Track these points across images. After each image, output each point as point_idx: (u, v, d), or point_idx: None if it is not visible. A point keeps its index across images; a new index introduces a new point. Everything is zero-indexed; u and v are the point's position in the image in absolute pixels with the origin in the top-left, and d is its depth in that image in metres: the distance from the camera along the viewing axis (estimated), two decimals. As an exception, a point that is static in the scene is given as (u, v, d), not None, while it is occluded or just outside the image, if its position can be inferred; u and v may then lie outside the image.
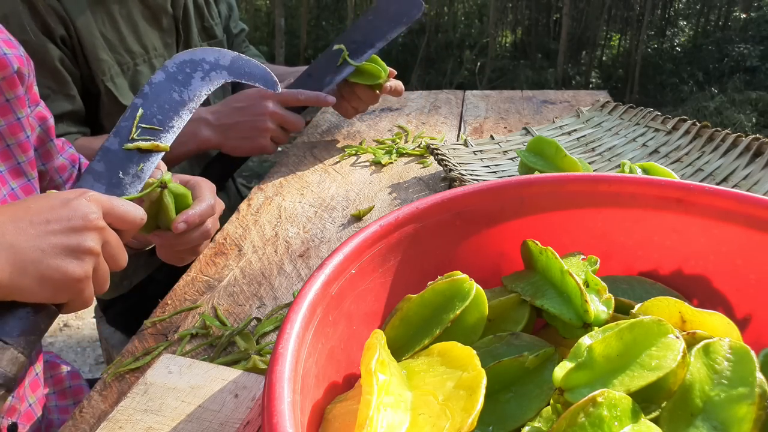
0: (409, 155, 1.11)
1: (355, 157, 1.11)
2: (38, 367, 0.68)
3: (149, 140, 0.62)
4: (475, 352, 0.35)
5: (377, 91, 1.11)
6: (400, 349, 0.41)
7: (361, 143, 1.17)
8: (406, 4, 1.09)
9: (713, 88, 6.00)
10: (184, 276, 0.78)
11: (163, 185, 0.62)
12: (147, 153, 0.62)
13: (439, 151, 0.98)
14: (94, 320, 1.22)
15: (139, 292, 1.12)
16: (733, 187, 0.76)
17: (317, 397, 0.37)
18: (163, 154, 0.63)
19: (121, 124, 0.62)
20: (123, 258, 0.54)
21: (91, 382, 0.81)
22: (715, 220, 0.45)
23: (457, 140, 1.16)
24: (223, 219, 0.93)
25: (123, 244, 0.55)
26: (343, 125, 1.30)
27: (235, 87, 1.31)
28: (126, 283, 1.11)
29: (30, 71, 0.67)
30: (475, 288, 0.41)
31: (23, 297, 0.47)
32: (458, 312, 0.40)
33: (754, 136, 0.80)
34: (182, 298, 0.74)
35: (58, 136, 0.91)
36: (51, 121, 0.72)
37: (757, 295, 0.43)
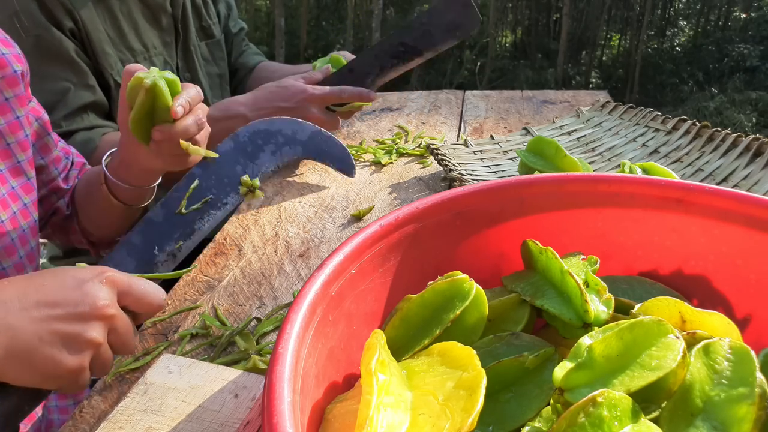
0: (409, 155, 1.11)
1: (355, 157, 1.11)
2: None
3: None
4: (475, 352, 0.35)
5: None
6: (400, 349, 0.41)
7: (361, 143, 1.17)
8: (464, 16, 1.02)
9: (713, 88, 6.01)
10: (184, 276, 0.78)
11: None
12: (190, 232, 0.58)
13: (439, 151, 0.98)
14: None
15: None
16: (733, 187, 0.76)
17: (317, 397, 0.37)
18: (206, 233, 0.59)
19: (172, 195, 0.59)
20: (131, 344, 0.52)
21: (91, 382, 0.81)
22: (715, 220, 0.45)
23: (457, 140, 1.16)
24: (223, 219, 0.94)
25: (134, 329, 0.52)
26: (343, 125, 1.30)
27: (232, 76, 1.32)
28: None
29: (26, 70, 0.67)
30: (475, 288, 0.41)
31: (11, 381, 0.45)
32: (458, 312, 0.40)
33: (754, 136, 0.80)
34: (182, 298, 0.74)
35: (86, 129, 0.93)
36: (45, 116, 0.72)
37: (757, 295, 0.43)
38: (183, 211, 0.57)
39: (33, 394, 0.48)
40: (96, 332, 0.47)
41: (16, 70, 0.63)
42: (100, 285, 0.48)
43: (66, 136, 0.92)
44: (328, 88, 1.01)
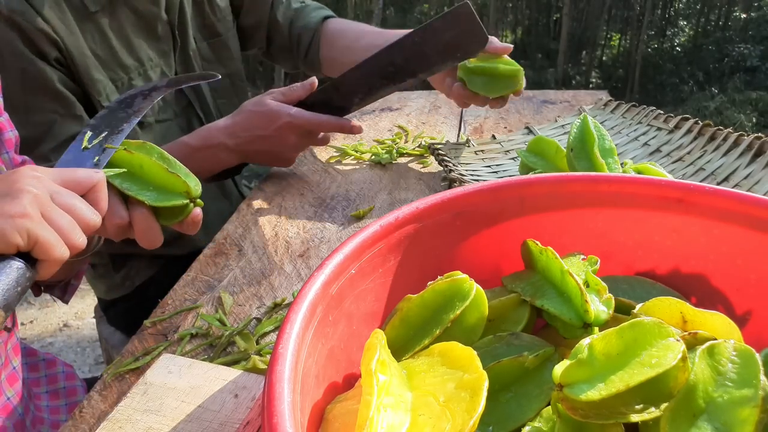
0: (409, 155, 1.11)
1: (355, 157, 1.11)
2: (15, 360, 0.68)
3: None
4: (475, 353, 0.35)
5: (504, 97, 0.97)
6: (400, 349, 0.41)
7: (360, 143, 1.17)
8: (468, 35, 0.85)
9: (713, 88, 6.01)
10: (184, 276, 0.78)
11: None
12: (102, 149, 0.60)
13: (440, 151, 0.98)
14: (94, 320, 1.22)
15: (141, 293, 1.11)
16: (734, 186, 0.76)
17: (317, 397, 0.37)
18: (119, 145, 0.61)
19: (72, 145, 0.61)
20: (86, 211, 0.52)
21: (91, 382, 0.81)
22: (715, 220, 0.45)
23: (457, 140, 1.16)
24: (224, 219, 0.94)
25: (84, 201, 0.52)
26: (343, 125, 1.30)
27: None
28: (128, 283, 1.10)
29: None
30: (475, 288, 0.41)
31: None
32: (458, 312, 0.40)
33: (755, 135, 0.80)
34: (182, 298, 0.74)
35: None
36: (7, 134, 0.70)
37: (758, 295, 0.43)
38: (87, 146, 0.61)
39: (11, 268, 0.47)
40: (27, 185, 0.48)
41: None
42: (28, 168, 0.50)
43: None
44: (308, 115, 0.92)
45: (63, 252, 0.49)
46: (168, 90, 0.70)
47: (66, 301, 0.75)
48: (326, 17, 1.18)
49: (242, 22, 1.18)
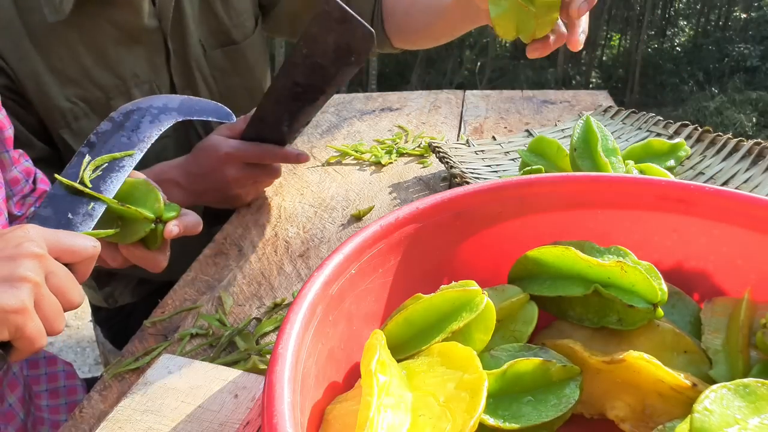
0: (409, 155, 1.11)
1: (355, 157, 1.11)
2: (15, 366, 0.68)
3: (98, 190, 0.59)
4: (475, 353, 0.35)
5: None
6: (398, 348, 0.41)
7: (360, 143, 1.17)
8: (349, 35, 0.74)
9: (713, 88, 6.01)
10: (184, 276, 0.78)
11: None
12: (97, 191, 0.58)
13: (440, 150, 0.98)
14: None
15: (126, 316, 1.08)
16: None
17: (317, 397, 0.37)
18: (115, 192, 0.59)
19: (68, 171, 0.59)
20: (75, 293, 0.49)
21: (91, 382, 0.81)
22: (715, 220, 0.45)
23: (457, 140, 1.16)
24: (223, 219, 0.94)
25: (75, 281, 0.50)
26: (343, 125, 1.30)
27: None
28: (111, 301, 1.07)
29: None
30: (485, 302, 0.41)
31: None
32: (462, 324, 0.40)
33: (755, 140, 0.80)
34: (182, 298, 0.74)
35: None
36: (8, 132, 0.68)
37: (758, 295, 0.43)
38: (84, 181, 0.58)
39: None
40: (28, 270, 0.45)
41: None
42: (23, 231, 0.47)
43: None
44: (247, 146, 0.84)
45: (43, 343, 0.47)
46: (180, 119, 0.66)
47: None
48: None
49: (287, 7, 1.07)
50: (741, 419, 0.30)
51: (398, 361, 0.39)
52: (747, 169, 0.77)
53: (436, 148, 0.99)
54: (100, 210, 0.57)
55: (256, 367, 0.59)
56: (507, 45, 7.33)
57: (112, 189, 0.59)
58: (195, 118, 0.67)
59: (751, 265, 0.44)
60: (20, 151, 0.72)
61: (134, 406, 0.48)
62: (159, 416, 0.47)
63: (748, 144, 0.80)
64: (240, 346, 0.64)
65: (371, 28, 0.74)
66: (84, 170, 0.58)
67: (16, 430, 0.66)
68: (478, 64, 6.69)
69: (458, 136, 1.19)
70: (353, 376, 0.41)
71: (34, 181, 0.74)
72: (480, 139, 1.14)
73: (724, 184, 0.78)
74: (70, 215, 0.56)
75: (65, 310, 0.49)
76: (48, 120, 0.85)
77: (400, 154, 1.11)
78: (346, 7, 0.73)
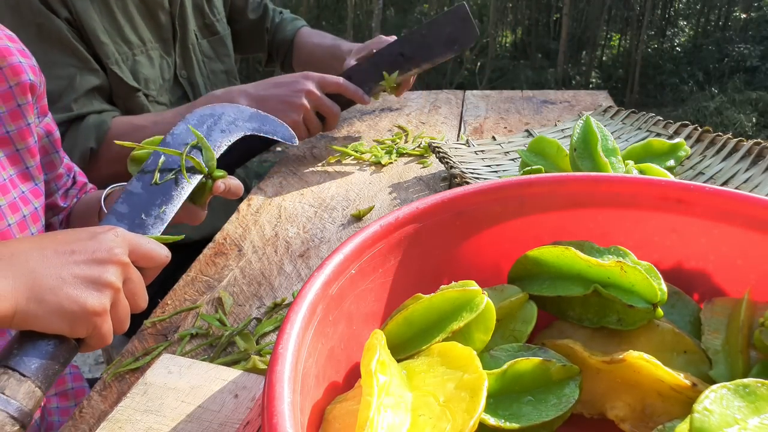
0: (409, 155, 1.11)
1: (355, 157, 1.11)
2: None
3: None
4: (475, 353, 0.35)
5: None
6: (398, 347, 0.41)
7: (360, 143, 1.17)
8: (463, 30, 1.06)
9: (713, 88, 6.00)
10: (183, 276, 0.78)
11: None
12: (169, 196, 0.62)
13: (440, 150, 0.98)
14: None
15: None
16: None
17: (317, 397, 0.37)
18: (185, 197, 0.63)
19: (144, 171, 0.63)
20: (143, 298, 0.53)
21: (91, 382, 0.81)
22: (715, 220, 0.45)
23: (458, 140, 1.16)
24: (224, 219, 0.94)
25: (145, 286, 0.54)
26: (343, 125, 1.30)
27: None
28: None
29: (41, 82, 0.68)
30: (485, 302, 0.41)
31: (40, 326, 0.46)
32: (462, 324, 0.40)
33: (755, 140, 0.80)
34: (182, 298, 0.74)
35: (93, 113, 0.95)
36: (57, 134, 0.74)
37: (758, 295, 0.43)
38: (157, 182, 0.63)
39: (66, 345, 0.47)
40: (114, 276, 0.49)
41: (31, 79, 0.65)
42: (113, 236, 0.51)
43: (78, 119, 0.94)
44: (328, 75, 1.03)
45: (110, 341, 0.51)
46: (248, 133, 0.72)
47: None
48: (299, 28, 1.36)
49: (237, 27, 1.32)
50: (741, 419, 0.30)
51: (398, 361, 0.39)
52: (747, 169, 0.77)
53: (436, 148, 0.99)
54: (170, 214, 0.62)
55: (256, 367, 0.59)
56: (507, 45, 7.33)
57: (183, 193, 0.64)
58: (262, 134, 0.74)
59: (751, 265, 0.44)
60: (62, 151, 0.77)
61: (134, 406, 0.48)
62: (159, 416, 0.47)
63: (748, 144, 0.80)
64: (240, 346, 0.64)
65: (478, 32, 1.08)
66: (158, 170, 0.64)
67: None
68: (478, 64, 6.69)
69: (458, 136, 1.19)
70: (353, 375, 0.41)
71: (74, 177, 0.79)
72: (480, 139, 1.14)
73: (724, 184, 0.78)
74: (143, 216, 0.61)
75: (132, 313, 0.53)
76: (100, 53, 0.99)
77: (400, 154, 1.11)
78: (470, 13, 1.06)
